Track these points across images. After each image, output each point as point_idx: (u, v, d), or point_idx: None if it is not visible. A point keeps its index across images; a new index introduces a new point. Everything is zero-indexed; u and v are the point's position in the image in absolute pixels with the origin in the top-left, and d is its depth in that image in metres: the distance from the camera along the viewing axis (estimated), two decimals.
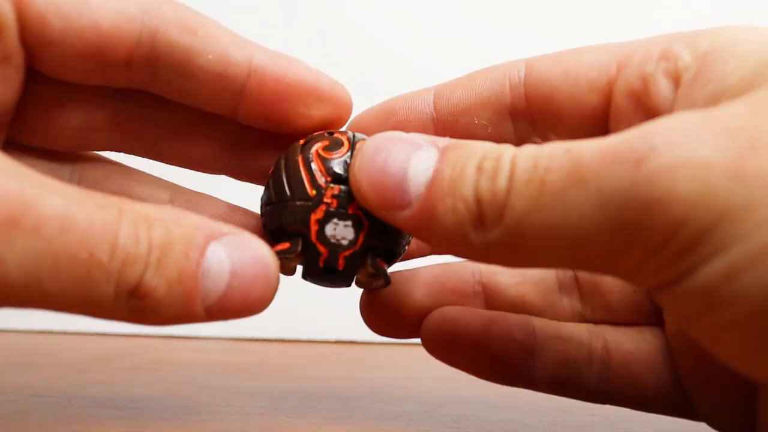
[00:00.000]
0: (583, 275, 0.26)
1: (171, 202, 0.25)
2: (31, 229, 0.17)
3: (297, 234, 0.22)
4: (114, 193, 0.24)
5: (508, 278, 0.26)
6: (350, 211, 0.22)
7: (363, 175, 0.20)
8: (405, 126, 0.24)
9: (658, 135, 0.16)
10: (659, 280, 0.17)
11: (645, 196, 0.16)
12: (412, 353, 0.46)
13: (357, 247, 0.22)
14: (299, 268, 0.23)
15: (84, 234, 0.17)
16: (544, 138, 0.24)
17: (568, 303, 0.26)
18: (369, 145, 0.20)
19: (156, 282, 0.18)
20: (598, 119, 0.23)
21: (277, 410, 0.29)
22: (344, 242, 0.22)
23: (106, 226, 0.17)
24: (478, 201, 0.18)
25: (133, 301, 0.18)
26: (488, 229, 0.18)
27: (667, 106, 0.21)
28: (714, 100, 0.19)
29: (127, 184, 0.25)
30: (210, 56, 0.22)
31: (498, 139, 0.24)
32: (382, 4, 0.57)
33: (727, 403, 0.23)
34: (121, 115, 0.24)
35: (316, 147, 0.23)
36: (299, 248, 0.22)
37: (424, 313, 0.25)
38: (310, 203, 0.22)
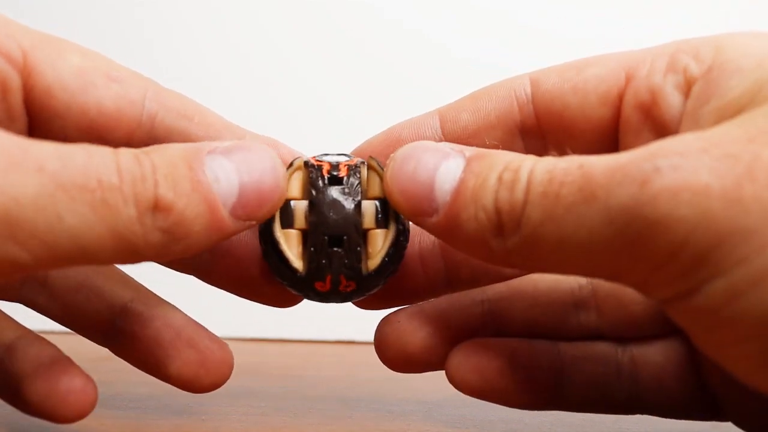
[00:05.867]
0: (603, 291, 0.26)
1: (131, 302, 0.26)
2: (36, 169, 0.17)
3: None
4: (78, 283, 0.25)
5: (517, 304, 0.26)
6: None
7: (394, 184, 0.21)
8: None
9: (663, 157, 0.17)
10: (666, 294, 0.18)
11: (648, 217, 0.17)
12: None
13: (353, 161, 0.23)
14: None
15: (86, 164, 0.18)
16: (559, 152, 0.24)
17: (585, 320, 0.26)
18: (399, 153, 0.21)
19: (172, 195, 0.19)
20: (609, 132, 0.23)
21: (277, 410, 0.29)
22: (342, 160, 0.23)
23: (105, 156, 0.19)
24: (498, 211, 0.19)
25: (159, 219, 0.19)
26: (507, 237, 0.19)
27: (675, 119, 0.21)
28: (717, 115, 0.19)
29: (92, 276, 0.26)
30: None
31: None
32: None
33: (755, 404, 0.23)
34: None
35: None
36: (301, 162, 0.23)
37: (433, 350, 0.25)
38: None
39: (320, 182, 0.23)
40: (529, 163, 0.19)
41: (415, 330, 0.25)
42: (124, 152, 0.19)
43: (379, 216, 0.23)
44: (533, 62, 0.25)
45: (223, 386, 0.32)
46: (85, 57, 0.23)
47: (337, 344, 0.53)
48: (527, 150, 0.24)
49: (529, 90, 0.24)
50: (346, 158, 0.24)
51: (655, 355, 0.25)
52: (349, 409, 0.30)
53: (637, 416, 0.26)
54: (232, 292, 0.26)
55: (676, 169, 0.17)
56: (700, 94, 0.21)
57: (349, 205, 0.23)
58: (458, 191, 0.20)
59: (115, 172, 0.18)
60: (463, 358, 0.25)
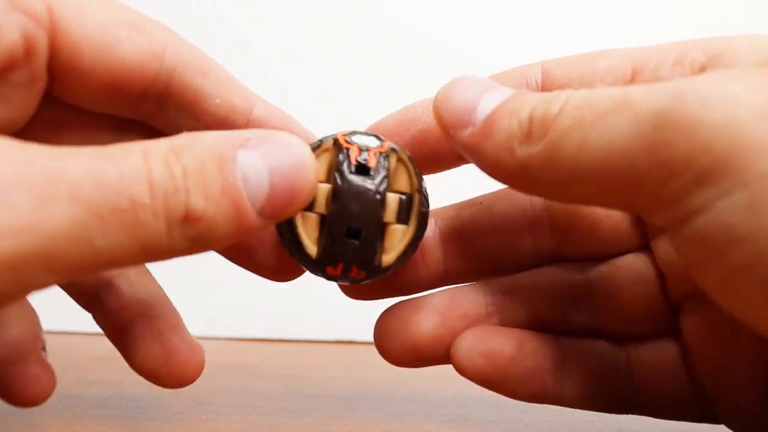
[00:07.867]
0: (600, 289, 0.26)
1: (117, 276, 0.26)
2: (69, 198, 0.17)
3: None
4: None
5: (520, 296, 0.26)
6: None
7: (443, 97, 0.22)
8: (429, 133, 0.25)
9: (701, 78, 0.18)
10: (679, 212, 0.18)
11: (675, 119, 0.17)
12: None
13: (384, 148, 0.23)
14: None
15: (118, 184, 0.18)
16: None
17: (583, 317, 0.26)
18: (454, 78, 0.22)
19: (203, 203, 0.19)
20: None
21: (277, 410, 0.29)
22: (372, 144, 0.23)
23: (137, 171, 0.18)
24: (531, 120, 0.20)
25: (188, 229, 0.19)
26: (532, 143, 0.20)
27: None
28: None
29: None
30: (217, 101, 0.24)
31: None
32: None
33: (747, 405, 0.23)
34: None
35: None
36: (331, 143, 0.23)
37: (438, 341, 0.25)
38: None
39: (347, 169, 0.23)
40: (573, 91, 0.20)
41: (422, 320, 0.25)
42: (155, 159, 0.18)
43: (402, 211, 0.23)
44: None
45: (223, 386, 0.31)
46: (109, 9, 0.23)
47: (337, 344, 0.53)
48: None
49: (540, 77, 0.24)
50: (377, 142, 0.23)
51: (648, 354, 0.25)
52: (349, 409, 0.30)
53: (637, 417, 0.26)
54: (230, 259, 0.26)
55: (713, 81, 0.18)
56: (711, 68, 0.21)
57: (372, 197, 0.22)
58: (498, 107, 0.21)
59: (147, 189, 0.18)
60: (473, 342, 0.25)
